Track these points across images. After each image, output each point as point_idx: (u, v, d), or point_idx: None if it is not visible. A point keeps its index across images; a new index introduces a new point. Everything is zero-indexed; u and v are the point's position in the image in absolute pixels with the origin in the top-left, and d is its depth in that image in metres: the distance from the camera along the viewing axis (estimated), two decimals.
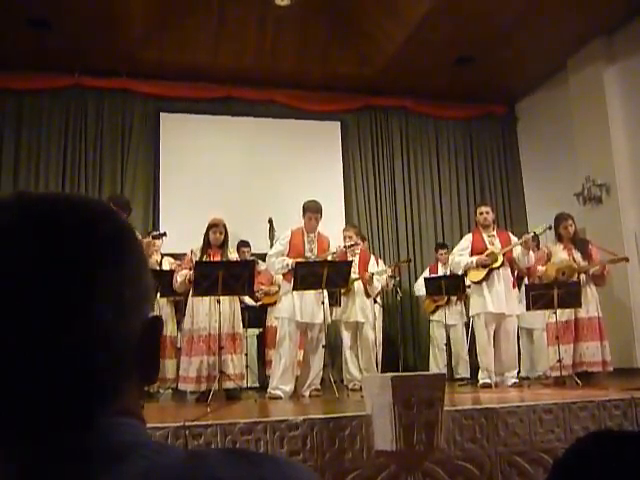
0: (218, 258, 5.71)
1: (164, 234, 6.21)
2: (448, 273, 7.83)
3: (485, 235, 6.44)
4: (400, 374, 3.96)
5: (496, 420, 3.73)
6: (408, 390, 3.30)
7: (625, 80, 8.13)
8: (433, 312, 8.17)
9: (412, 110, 9.93)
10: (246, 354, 6.51)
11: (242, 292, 5.68)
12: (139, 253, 0.62)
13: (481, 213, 6.52)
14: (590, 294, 6.30)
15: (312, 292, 5.64)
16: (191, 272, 5.44)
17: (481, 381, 6.17)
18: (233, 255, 5.98)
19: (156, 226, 8.27)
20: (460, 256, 6.44)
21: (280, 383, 5.57)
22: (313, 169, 9.27)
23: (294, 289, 5.51)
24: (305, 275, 5.44)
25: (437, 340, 8.11)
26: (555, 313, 6.04)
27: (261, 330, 7.63)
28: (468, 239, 6.57)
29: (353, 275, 6.41)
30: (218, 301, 5.28)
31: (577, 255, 6.42)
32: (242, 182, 8.90)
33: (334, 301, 6.64)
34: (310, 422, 3.42)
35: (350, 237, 6.98)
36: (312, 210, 5.91)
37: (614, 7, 7.58)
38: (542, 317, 6.63)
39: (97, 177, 8.65)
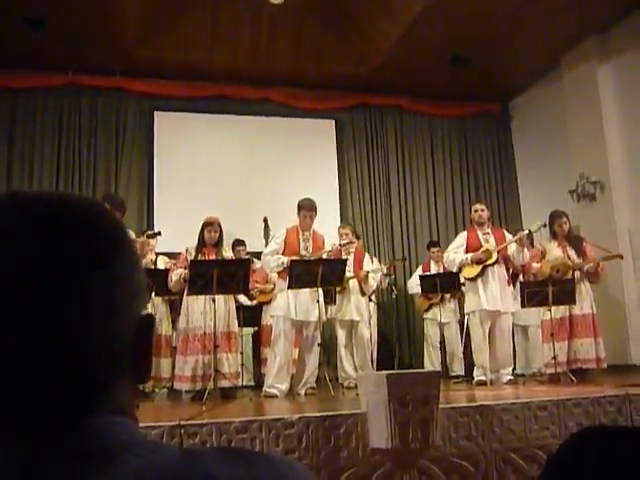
0: (213, 257, 5.70)
1: (159, 233, 6.20)
2: (441, 271, 7.86)
3: (480, 233, 6.45)
4: (395, 372, 3.96)
5: (491, 417, 3.74)
6: (403, 388, 3.30)
7: (619, 78, 8.16)
8: (427, 310, 8.18)
9: (407, 108, 9.94)
10: (241, 353, 6.50)
11: (237, 291, 5.68)
12: (131, 252, 0.63)
13: (476, 211, 6.53)
14: (584, 291, 6.31)
15: (307, 290, 5.64)
16: (186, 271, 5.44)
17: (476, 378, 6.19)
18: (228, 254, 5.98)
19: (150, 225, 8.26)
20: (455, 253, 6.45)
21: (275, 381, 5.57)
22: (308, 167, 9.27)
23: (289, 287, 5.50)
24: (300, 273, 5.44)
25: (431, 338, 8.12)
26: (550, 310, 6.06)
27: (256, 329, 7.63)
28: (463, 237, 6.58)
29: (348, 273, 6.41)
30: (213, 300, 5.27)
31: (571, 252, 6.44)
32: (237, 180, 8.90)
33: (329, 299, 6.65)
34: (305, 420, 3.42)
35: (347, 234, 6.99)
36: (307, 208, 5.91)
37: (608, 5, 7.60)
38: (537, 314, 6.65)
39: (91, 176, 8.63)
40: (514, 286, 6.78)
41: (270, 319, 6.32)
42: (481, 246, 6.33)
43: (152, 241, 6.57)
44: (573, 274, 6.32)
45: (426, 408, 3.32)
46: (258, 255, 6.86)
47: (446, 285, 7.13)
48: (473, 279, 6.27)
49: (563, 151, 8.82)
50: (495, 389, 5.65)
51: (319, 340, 5.72)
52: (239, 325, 6.08)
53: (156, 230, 6.44)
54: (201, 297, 5.49)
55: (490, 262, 6.22)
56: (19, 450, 0.53)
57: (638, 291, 7.79)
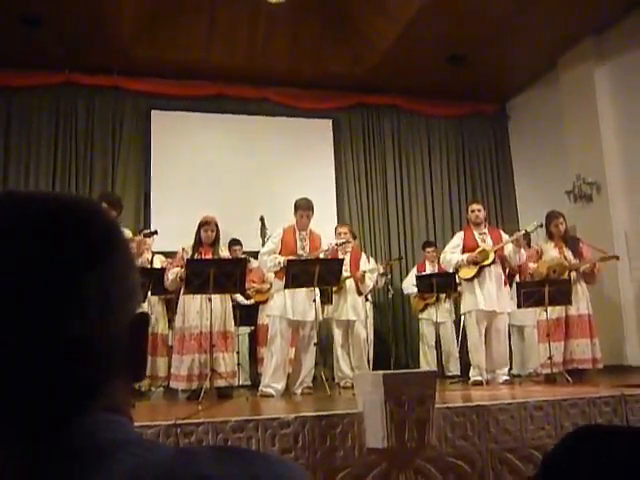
0: (209, 256, 5.69)
1: (155, 232, 6.19)
2: (436, 271, 7.87)
3: (476, 233, 6.46)
4: (391, 372, 3.97)
5: (487, 417, 3.74)
6: (399, 388, 3.31)
7: (616, 79, 8.17)
8: (422, 310, 8.19)
9: (404, 108, 9.94)
10: (238, 352, 6.50)
11: (233, 290, 5.67)
12: (126, 252, 0.63)
13: (472, 211, 6.53)
14: (581, 292, 6.33)
15: (304, 290, 5.64)
16: (182, 270, 5.43)
17: (472, 378, 6.19)
18: (224, 253, 5.97)
19: (147, 224, 8.26)
20: (451, 254, 6.45)
21: (272, 381, 5.57)
22: (305, 167, 9.27)
23: (286, 287, 5.50)
24: (297, 273, 5.43)
25: (427, 338, 8.13)
26: (546, 310, 6.07)
27: (253, 328, 7.63)
28: (459, 237, 6.58)
29: (345, 273, 6.41)
30: (209, 299, 5.27)
31: (568, 253, 6.45)
32: (233, 180, 8.89)
33: (326, 299, 6.64)
34: (302, 420, 3.42)
35: (345, 233, 6.99)
36: (303, 208, 5.91)
37: (604, 6, 7.61)
38: (533, 314, 6.65)
39: (88, 174, 8.61)
40: (510, 286, 6.79)
41: (266, 319, 6.32)
42: (478, 246, 6.34)
43: (149, 240, 6.55)
44: (569, 275, 6.33)
45: (422, 408, 3.32)
46: (255, 254, 6.85)
47: (443, 285, 7.13)
48: (470, 279, 6.28)
49: (560, 152, 8.84)
50: (491, 389, 5.65)
51: (315, 340, 5.71)
52: (235, 324, 6.07)
53: (153, 229, 6.42)
54: (197, 296, 5.48)
55: (487, 262, 6.23)
56: (19, 450, 0.53)
57: (634, 292, 7.81)
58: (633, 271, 7.81)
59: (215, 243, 5.82)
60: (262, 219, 8.05)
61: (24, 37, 7.65)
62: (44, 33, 7.64)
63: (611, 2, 7.56)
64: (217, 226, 5.82)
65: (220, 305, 5.61)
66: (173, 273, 5.66)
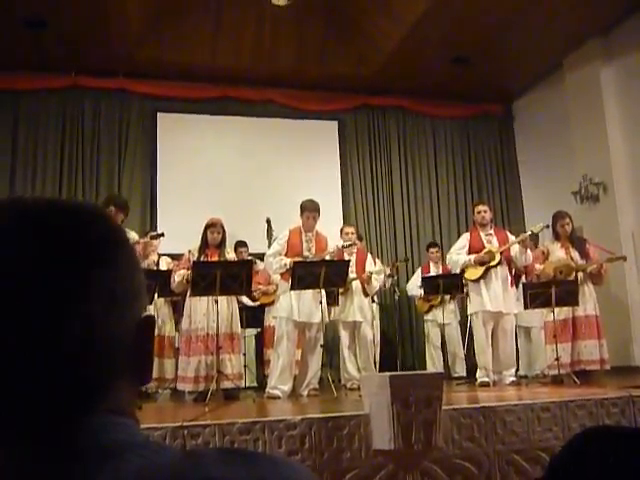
0: (216, 258, 5.71)
1: (162, 234, 6.20)
2: (440, 272, 7.87)
3: (483, 234, 6.45)
4: (398, 373, 3.97)
5: (494, 419, 3.73)
6: (406, 389, 3.30)
7: (622, 79, 8.14)
8: (427, 312, 8.18)
9: (409, 109, 9.94)
10: (244, 354, 6.51)
11: (240, 292, 5.68)
12: (130, 253, 0.63)
13: (479, 212, 6.52)
14: (588, 292, 6.30)
15: (310, 292, 5.64)
16: (189, 272, 5.44)
17: (479, 380, 6.18)
18: (231, 255, 5.98)
19: (154, 226, 8.27)
20: (458, 255, 6.45)
21: (278, 383, 5.57)
22: (311, 168, 9.27)
23: (292, 289, 5.50)
24: (303, 275, 5.43)
25: (432, 339, 8.12)
26: (553, 311, 6.04)
27: (259, 330, 7.63)
28: (466, 238, 6.58)
29: (351, 275, 6.41)
30: (216, 301, 5.28)
31: (575, 254, 6.43)
32: (240, 182, 8.90)
33: (332, 300, 6.63)
34: (308, 422, 3.42)
35: (352, 233, 6.99)
36: (310, 209, 5.91)
37: (610, 6, 7.59)
38: (540, 315, 6.64)
39: (94, 177, 8.63)
40: (517, 287, 6.78)
41: (273, 320, 6.32)
42: (484, 247, 6.33)
43: (155, 242, 6.58)
44: (576, 275, 6.31)
45: (429, 409, 3.31)
46: (261, 256, 6.86)
47: (449, 287, 7.12)
48: (476, 280, 6.26)
49: (566, 152, 8.81)
50: (498, 390, 5.64)
51: (322, 341, 5.71)
52: (242, 326, 6.08)
53: (159, 231, 6.45)
54: (204, 298, 5.49)
55: (493, 263, 6.22)
56: (19, 450, 0.53)
57: None
58: None
59: (221, 245, 5.83)
60: (268, 221, 8.06)
61: (30, 40, 7.68)
62: (50, 36, 7.67)
63: (616, 2, 7.53)
64: (223, 228, 5.83)
65: (226, 307, 5.61)
66: (180, 275, 5.67)
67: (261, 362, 7.52)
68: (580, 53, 8.52)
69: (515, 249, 6.27)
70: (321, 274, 5.41)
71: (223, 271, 5.20)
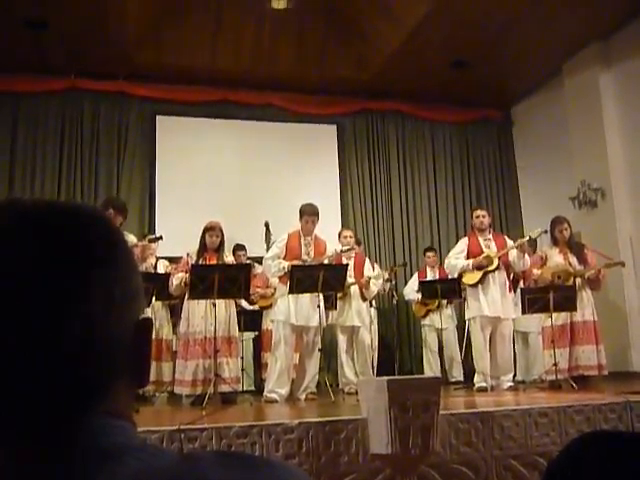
0: (214, 261, 5.70)
1: (160, 237, 6.20)
2: (437, 276, 7.87)
3: (481, 239, 6.45)
4: (396, 377, 3.96)
5: (492, 424, 3.73)
6: (404, 394, 3.30)
7: (621, 84, 8.16)
8: (424, 316, 8.18)
9: (408, 114, 9.95)
10: (242, 357, 6.49)
11: (238, 295, 5.67)
12: (129, 255, 0.63)
13: (477, 217, 6.53)
14: (586, 298, 6.30)
15: (308, 295, 5.63)
16: (187, 275, 5.44)
17: (477, 385, 6.17)
18: (229, 258, 5.98)
19: (152, 229, 8.27)
20: (456, 259, 6.45)
21: (276, 386, 5.57)
22: (310, 172, 9.28)
23: (290, 292, 5.50)
24: (301, 278, 5.43)
25: (430, 344, 8.12)
26: (551, 317, 6.05)
27: (257, 333, 7.62)
28: (464, 242, 6.58)
29: (349, 279, 6.40)
30: (214, 304, 5.28)
31: (573, 259, 6.43)
32: (238, 185, 8.91)
33: (330, 304, 6.63)
34: (306, 425, 3.41)
35: (351, 237, 6.99)
36: (309, 213, 5.91)
37: (610, 11, 7.61)
38: (538, 321, 6.63)
39: (93, 180, 8.64)
40: (515, 292, 6.78)
41: (271, 324, 6.32)
42: (482, 252, 6.33)
43: (153, 245, 6.57)
44: (574, 281, 6.31)
45: (427, 414, 3.31)
46: (259, 260, 6.86)
47: (447, 291, 7.12)
48: (474, 285, 6.27)
49: (564, 157, 8.83)
50: (495, 395, 5.63)
51: (319, 345, 5.71)
52: (240, 330, 6.07)
53: (157, 234, 6.44)
54: (202, 301, 5.48)
55: (491, 268, 6.22)
56: (19, 450, 0.53)
57: (639, 298, 7.78)
58: (638, 278, 7.78)
59: (220, 248, 5.82)
60: (267, 224, 8.05)
61: (29, 42, 7.69)
62: (49, 39, 7.68)
63: (616, 7, 7.56)
64: (222, 231, 5.82)
65: (224, 310, 5.61)
66: (178, 278, 5.66)
67: (259, 366, 7.51)
68: (579, 58, 8.54)
69: (513, 254, 6.27)
70: (319, 278, 5.40)
71: (221, 274, 5.19)
